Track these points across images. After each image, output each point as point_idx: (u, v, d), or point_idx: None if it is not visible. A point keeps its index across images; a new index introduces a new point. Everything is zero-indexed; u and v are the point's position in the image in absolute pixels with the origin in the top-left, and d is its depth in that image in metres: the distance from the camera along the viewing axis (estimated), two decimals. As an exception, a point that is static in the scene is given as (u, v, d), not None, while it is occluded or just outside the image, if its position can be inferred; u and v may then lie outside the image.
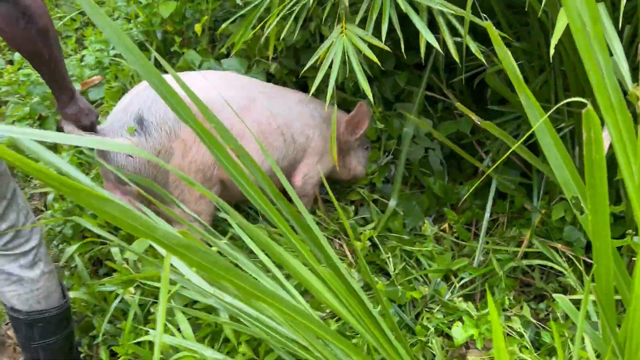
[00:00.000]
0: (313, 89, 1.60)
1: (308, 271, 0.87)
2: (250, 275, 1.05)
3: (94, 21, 0.68)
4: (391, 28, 1.59)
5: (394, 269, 1.82)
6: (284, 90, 2.08)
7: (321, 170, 2.08)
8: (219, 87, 1.78)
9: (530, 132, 0.83)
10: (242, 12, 1.95)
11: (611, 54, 1.24)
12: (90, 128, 1.50)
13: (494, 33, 0.79)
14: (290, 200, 0.99)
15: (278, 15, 1.77)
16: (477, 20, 1.50)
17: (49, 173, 0.60)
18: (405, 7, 1.47)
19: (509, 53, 0.80)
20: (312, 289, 0.86)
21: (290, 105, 1.98)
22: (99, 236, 1.83)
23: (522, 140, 1.12)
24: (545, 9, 1.46)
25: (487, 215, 1.93)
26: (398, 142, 2.24)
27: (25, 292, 1.42)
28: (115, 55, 2.41)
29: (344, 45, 1.51)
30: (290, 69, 2.24)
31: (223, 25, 2.02)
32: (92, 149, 1.82)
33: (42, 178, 0.61)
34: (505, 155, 1.24)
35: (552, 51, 1.20)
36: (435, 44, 1.46)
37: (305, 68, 1.73)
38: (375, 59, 1.49)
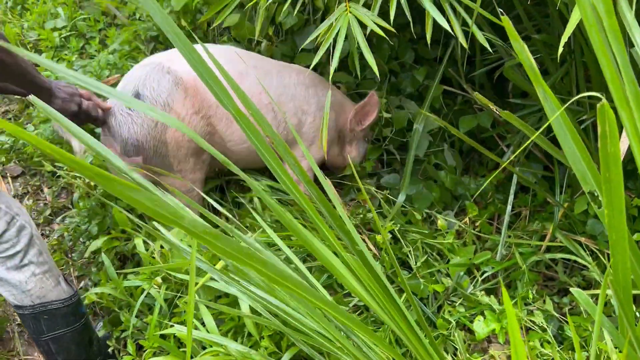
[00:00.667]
0: (313, 65, 1.59)
1: (335, 258, 0.88)
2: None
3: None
4: (407, 21, 1.58)
5: (416, 262, 1.81)
6: (288, 69, 2.04)
7: (316, 158, 2.08)
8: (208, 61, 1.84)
9: (546, 124, 0.83)
10: None
11: (632, 45, 1.23)
12: (79, 110, 1.52)
13: (509, 26, 0.79)
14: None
15: None
16: (485, 13, 1.49)
17: (82, 163, 0.62)
18: None
19: (525, 47, 0.80)
20: (339, 276, 0.87)
21: (285, 85, 1.97)
22: (123, 231, 1.87)
23: (541, 130, 1.11)
24: (564, 0, 1.45)
25: (509, 208, 1.91)
26: (403, 134, 2.23)
27: (18, 292, 1.44)
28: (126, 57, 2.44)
29: (349, 21, 1.48)
30: (285, 53, 2.23)
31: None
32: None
33: (76, 168, 0.62)
34: (525, 145, 1.23)
35: (561, 47, 1.18)
36: (444, 23, 1.45)
37: (304, 45, 1.71)
38: (381, 33, 1.46)
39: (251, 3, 1.80)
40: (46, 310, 1.49)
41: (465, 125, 2.07)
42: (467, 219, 2.07)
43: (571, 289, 1.06)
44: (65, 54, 2.71)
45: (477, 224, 2.05)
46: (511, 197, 1.93)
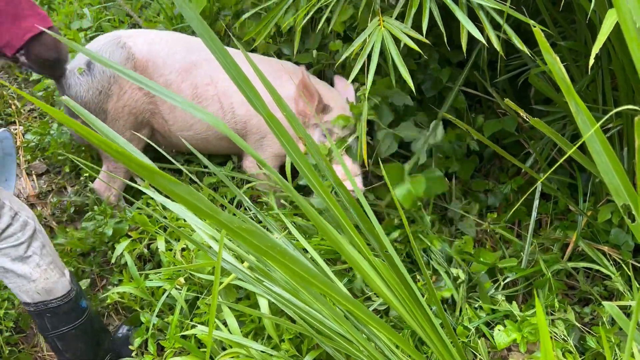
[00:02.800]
0: (350, 79, 1.59)
1: (364, 260, 0.88)
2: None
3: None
4: (432, 24, 1.58)
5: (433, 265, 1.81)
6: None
7: (270, 152, 2.05)
8: (168, 43, 1.93)
9: (582, 140, 0.82)
10: (267, 4, 1.93)
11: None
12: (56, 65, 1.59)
13: (541, 37, 0.78)
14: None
15: (309, 12, 1.75)
16: (519, 15, 1.48)
17: (126, 154, 0.63)
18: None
19: (557, 59, 0.79)
20: (367, 279, 0.87)
21: None
22: (143, 232, 1.89)
23: (568, 136, 1.10)
24: (594, 7, 1.44)
25: (534, 214, 1.90)
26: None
27: (23, 284, 1.47)
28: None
29: (383, 36, 1.50)
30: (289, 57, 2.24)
31: (242, 18, 2.01)
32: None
33: (122, 159, 0.64)
34: (550, 153, 1.22)
35: (592, 58, 1.17)
36: (478, 35, 1.44)
37: (340, 61, 1.72)
38: (416, 47, 1.47)
39: (287, 22, 1.81)
40: (47, 308, 1.51)
41: (490, 129, 2.05)
42: (486, 224, 2.06)
43: (604, 303, 1.05)
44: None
45: (496, 228, 2.04)
46: (536, 203, 1.92)
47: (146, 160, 0.74)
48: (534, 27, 0.76)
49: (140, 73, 1.84)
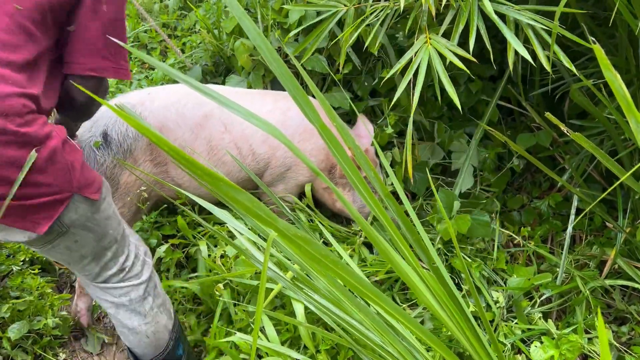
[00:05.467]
0: (395, 99, 1.61)
1: (414, 273, 0.88)
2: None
3: (242, 26, 0.73)
4: (463, 40, 1.59)
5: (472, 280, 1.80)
6: (258, 96, 2.06)
7: (294, 183, 2.04)
8: (180, 102, 1.90)
9: None
10: (318, 19, 1.96)
11: None
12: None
13: (601, 54, 0.78)
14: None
15: (358, 27, 1.79)
16: (567, 33, 1.48)
17: (193, 161, 0.65)
18: (494, 18, 1.46)
19: (618, 76, 0.79)
20: (415, 290, 0.87)
21: (256, 113, 1.97)
22: (183, 237, 1.92)
23: (606, 152, 1.09)
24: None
25: (569, 229, 1.88)
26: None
27: (135, 326, 1.41)
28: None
29: (430, 54, 1.51)
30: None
31: (291, 33, 2.06)
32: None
33: (188, 166, 0.66)
34: (584, 168, 1.21)
35: None
36: (527, 56, 1.45)
37: (386, 78, 1.74)
38: (463, 66, 1.48)
39: (343, 33, 1.83)
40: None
41: (524, 143, 2.04)
42: (520, 239, 2.04)
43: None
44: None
45: (531, 244, 2.02)
46: (572, 218, 1.89)
47: (212, 168, 0.76)
48: (594, 43, 0.76)
49: (153, 144, 1.83)
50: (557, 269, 1.85)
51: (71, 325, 1.87)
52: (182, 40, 2.70)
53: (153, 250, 1.92)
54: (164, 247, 1.80)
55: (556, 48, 1.48)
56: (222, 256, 1.66)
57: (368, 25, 1.78)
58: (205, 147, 1.90)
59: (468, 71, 1.52)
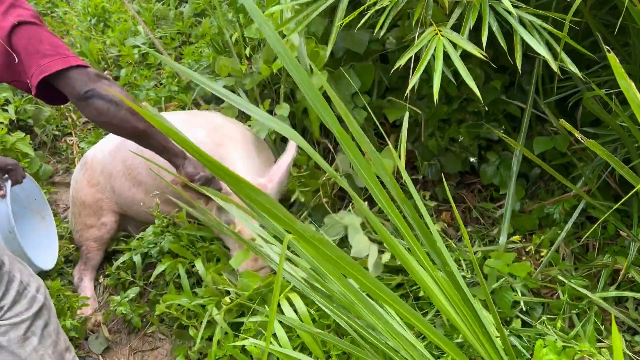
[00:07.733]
0: (409, 90, 1.53)
1: (428, 277, 0.89)
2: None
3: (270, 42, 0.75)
4: (475, 41, 1.55)
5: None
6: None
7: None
8: (108, 141, 2.19)
9: None
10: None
11: None
12: (208, 180, 1.63)
13: (616, 63, 0.79)
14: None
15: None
16: (577, 45, 1.48)
17: (218, 164, 0.68)
18: (510, 10, 1.42)
19: (632, 84, 0.80)
20: (432, 296, 0.88)
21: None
22: (188, 248, 1.95)
23: (620, 159, 1.09)
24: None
25: (562, 236, 1.90)
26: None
27: None
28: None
29: (443, 45, 1.44)
30: None
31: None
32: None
33: (211, 168, 0.68)
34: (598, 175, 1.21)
35: None
36: (548, 56, 1.43)
37: (395, 68, 1.69)
38: (480, 55, 1.41)
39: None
40: None
41: (540, 147, 2.03)
42: (531, 246, 2.04)
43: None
44: (142, 70, 2.86)
45: (542, 253, 2.01)
46: (572, 219, 1.92)
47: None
48: (608, 52, 0.77)
49: (89, 172, 2.14)
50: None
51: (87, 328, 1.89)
52: (193, 47, 2.73)
53: (154, 266, 1.94)
54: (167, 263, 1.82)
55: (564, 56, 1.48)
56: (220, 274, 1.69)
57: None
58: (122, 167, 2.08)
59: (486, 58, 1.45)
